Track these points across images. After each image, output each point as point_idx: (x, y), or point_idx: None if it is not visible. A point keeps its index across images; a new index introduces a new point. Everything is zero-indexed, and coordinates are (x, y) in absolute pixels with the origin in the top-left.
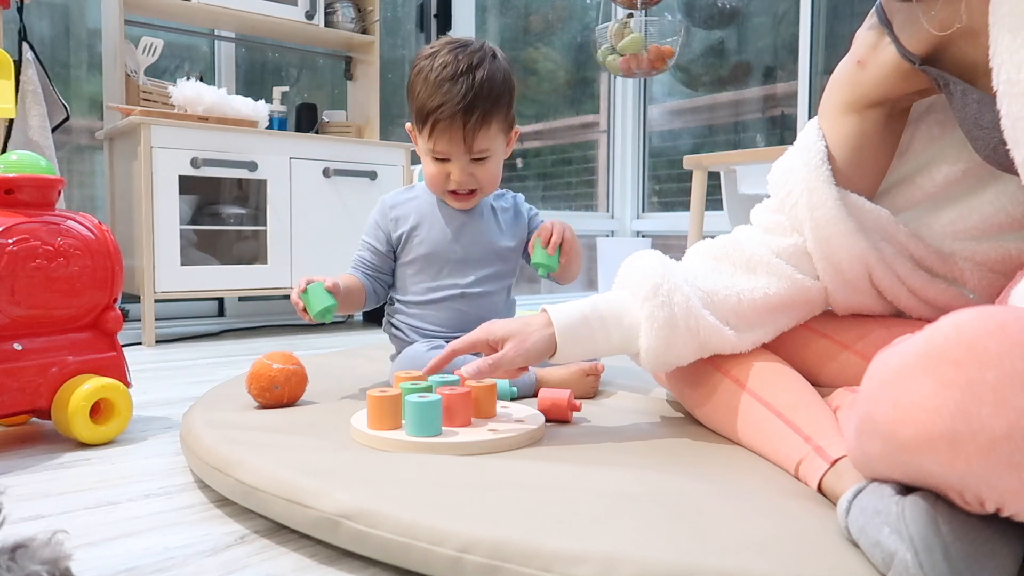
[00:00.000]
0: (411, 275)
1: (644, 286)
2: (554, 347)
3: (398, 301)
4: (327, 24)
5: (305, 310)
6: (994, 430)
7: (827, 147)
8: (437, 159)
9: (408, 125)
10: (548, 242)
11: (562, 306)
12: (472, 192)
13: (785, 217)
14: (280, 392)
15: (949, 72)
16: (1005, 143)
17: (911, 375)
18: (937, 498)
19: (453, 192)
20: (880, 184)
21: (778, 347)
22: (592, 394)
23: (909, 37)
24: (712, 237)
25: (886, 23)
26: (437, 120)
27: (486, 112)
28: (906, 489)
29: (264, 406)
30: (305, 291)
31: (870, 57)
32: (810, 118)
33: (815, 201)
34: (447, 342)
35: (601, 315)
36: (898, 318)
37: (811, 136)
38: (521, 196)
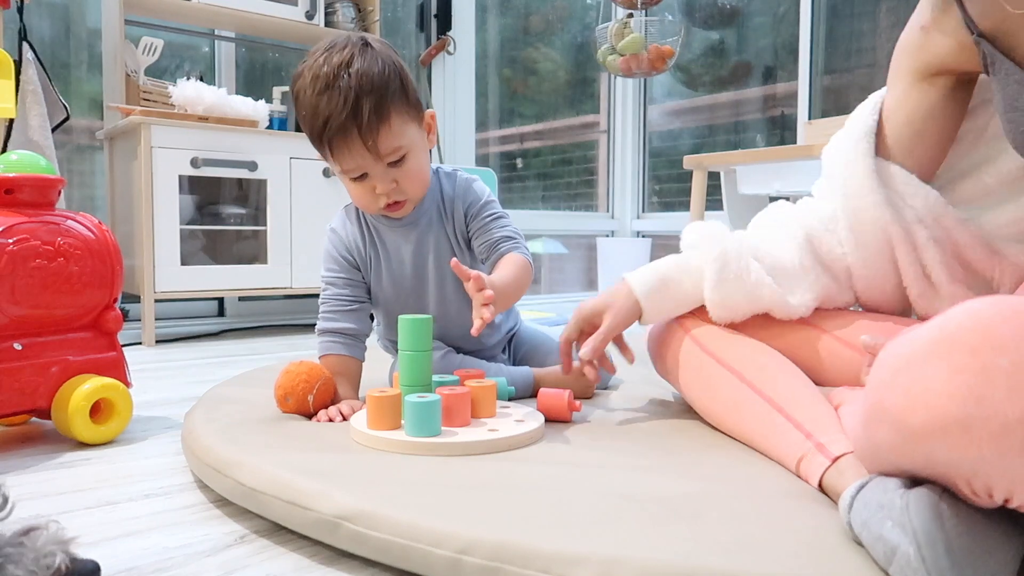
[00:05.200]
0: (378, 312)
1: (703, 238)
2: (639, 310)
3: (379, 327)
4: (327, 24)
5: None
6: (1007, 416)
7: (878, 121)
8: (355, 179)
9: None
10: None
11: (639, 271)
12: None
13: (828, 187)
14: (309, 401)
15: (1003, 50)
16: None
17: (924, 361)
18: (942, 492)
19: (386, 205)
20: (940, 162)
21: (780, 343)
22: (589, 395)
23: (975, 5)
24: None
25: None
26: (331, 137)
27: (377, 106)
28: (910, 484)
29: (286, 411)
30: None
31: (934, 23)
32: (810, 118)
33: (849, 172)
34: (447, 345)
35: (680, 269)
36: (903, 319)
37: (865, 109)
38: (467, 177)
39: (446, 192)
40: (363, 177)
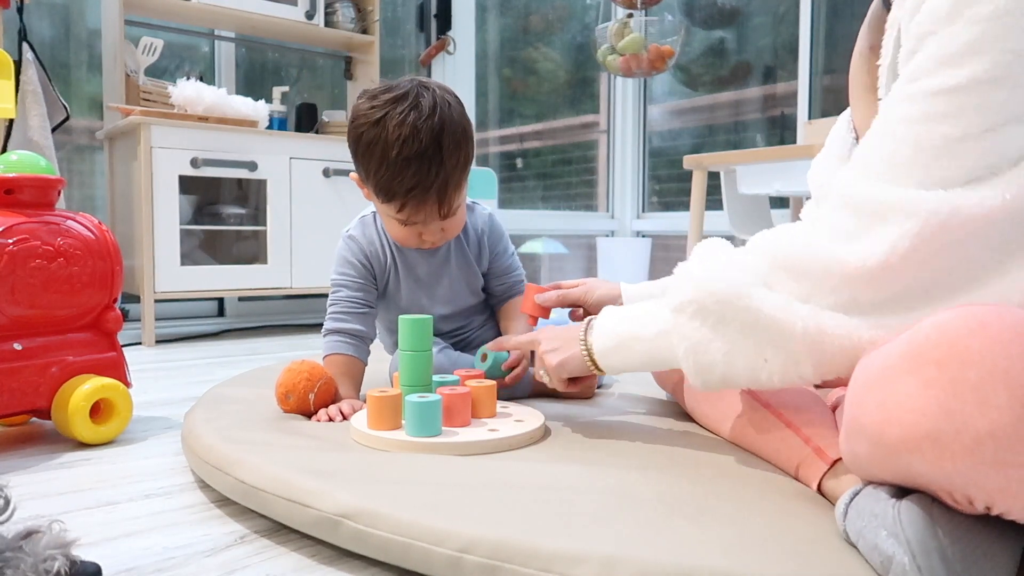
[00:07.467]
0: (387, 323)
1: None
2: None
3: (383, 331)
4: (327, 24)
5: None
6: (978, 429)
7: (857, 138)
8: (404, 223)
9: (355, 176)
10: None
11: (602, 327)
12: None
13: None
14: (310, 399)
15: None
16: None
17: (894, 376)
18: (932, 501)
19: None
20: None
21: None
22: (589, 395)
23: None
24: (713, 237)
25: (886, 3)
26: (408, 199)
27: (460, 182)
28: (901, 491)
29: (286, 409)
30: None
31: (881, 41)
32: (810, 118)
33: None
34: (447, 344)
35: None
36: None
37: (842, 128)
38: (489, 214)
39: (470, 223)
40: (414, 223)
